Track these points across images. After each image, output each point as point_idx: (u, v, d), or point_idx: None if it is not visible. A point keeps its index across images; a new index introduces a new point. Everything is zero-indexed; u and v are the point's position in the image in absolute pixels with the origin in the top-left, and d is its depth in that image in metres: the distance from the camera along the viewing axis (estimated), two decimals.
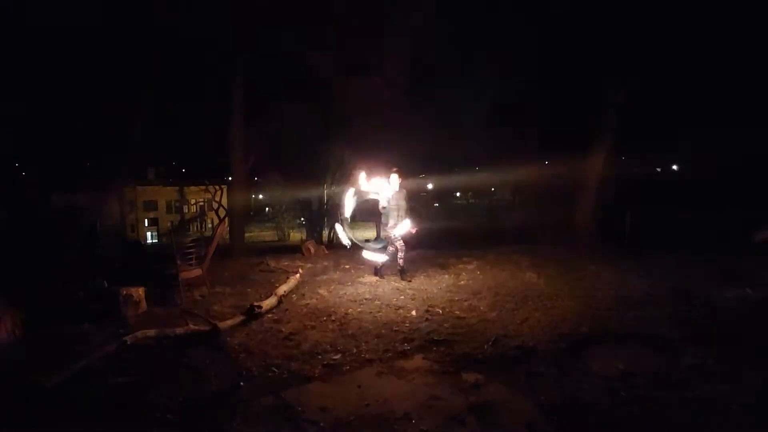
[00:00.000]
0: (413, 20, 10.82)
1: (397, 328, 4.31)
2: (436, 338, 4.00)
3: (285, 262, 8.17)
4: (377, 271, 6.65)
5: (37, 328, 4.33)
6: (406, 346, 3.83)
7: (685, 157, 18.99)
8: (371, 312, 4.89)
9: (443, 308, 4.94)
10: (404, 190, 6.47)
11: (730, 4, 9.64)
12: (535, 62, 11.13)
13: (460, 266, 7.42)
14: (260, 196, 27.02)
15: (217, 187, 22.19)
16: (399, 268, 6.51)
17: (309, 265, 7.93)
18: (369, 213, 6.64)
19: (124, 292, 4.86)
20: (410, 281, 6.30)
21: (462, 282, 6.23)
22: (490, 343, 3.85)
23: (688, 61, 10.56)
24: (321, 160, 16.06)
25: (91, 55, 10.08)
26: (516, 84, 11.68)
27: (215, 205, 22.42)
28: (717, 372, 3.13)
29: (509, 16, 10.81)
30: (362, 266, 7.71)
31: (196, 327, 4.24)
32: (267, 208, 27.03)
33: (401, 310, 4.91)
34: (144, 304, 5.02)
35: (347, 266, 7.76)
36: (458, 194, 37.31)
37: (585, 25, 10.18)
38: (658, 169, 21.93)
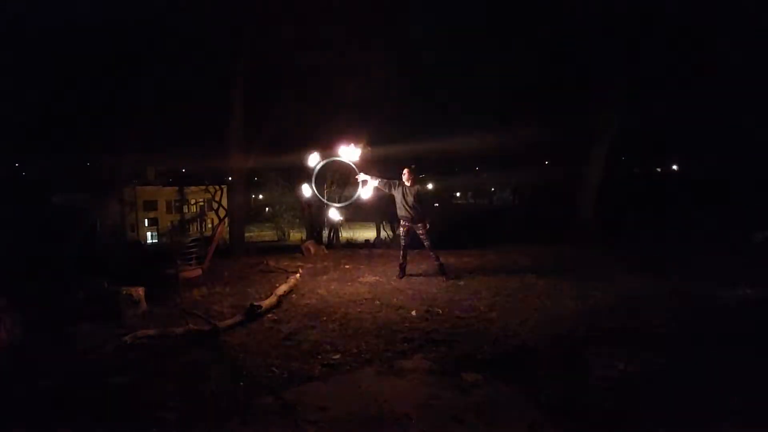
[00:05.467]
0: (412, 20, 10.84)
1: (397, 328, 4.30)
2: (436, 338, 4.00)
3: (285, 262, 8.17)
4: (402, 270, 6.57)
5: (37, 328, 4.33)
6: (406, 346, 3.82)
7: (685, 156, 18.98)
8: (371, 312, 4.89)
9: (443, 308, 4.94)
10: (416, 188, 6.43)
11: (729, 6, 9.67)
12: (536, 61, 11.15)
13: (461, 266, 7.42)
14: (260, 196, 27.00)
15: (217, 187, 22.18)
16: (438, 264, 6.52)
17: (309, 265, 7.93)
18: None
19: (124, 292, 4.86)
20: (451, 280, 6.32)
21: (462, 282, 6.23)
22: (490, 343, 3.85)
23: (688, 60, 10.58)
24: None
25: (90, 54, 10.08)
26: (517, 83, 11.69)
27: (215, 205, 22.42)
28: (717, 372, 3.13)
29: (513, 18, 10.83)
30: (362, 266, 7.72)
31: (196, 327, 4.24)
32: (267, 208, 27.00)
33: (401, 310, 4.91)
34: (144, 304, 5.01)
35: (347, 266, 7.77)
36: (458, 194, 37.31)
37: (584, 24, 10.20)
38: (659, 169, 21.93)
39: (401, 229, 6.57)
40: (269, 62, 11.05)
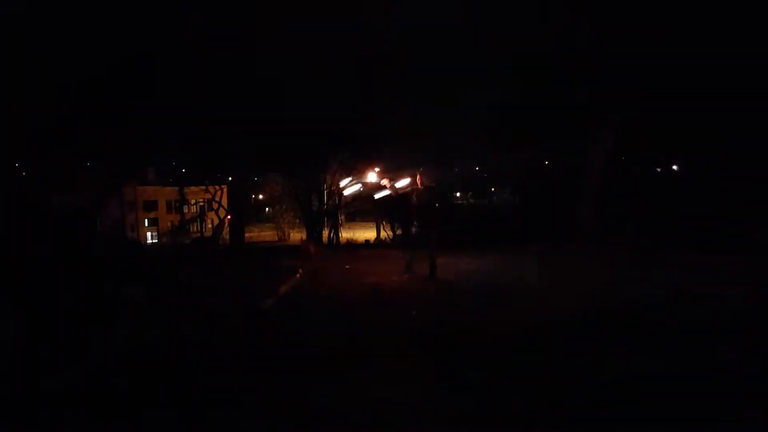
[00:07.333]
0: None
1: (397, 328, 4.30)
2: (436, 337, 4.00)
3: (285, 262, 8.17)
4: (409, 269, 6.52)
5: (38, 329, 4.32)
6: (407, 346, 3.83)
7: (686, 156, 18.92)
8: (372, 311, 4.89)
9: (443, 308, 4.94)
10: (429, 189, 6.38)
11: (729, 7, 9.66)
12: (537, 61, 11.13)
13: (461, 266, 7.41)
14: (260, 196, 27.03)
15: (217, 187, 22.20)
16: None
17: (309, 266, 7.92)
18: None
19: (124, 292, 4.86)
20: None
21: (463, 282, 6.23)
22: (491, 342, 3.85)
23: (688, 61, 10.55)
24: (322, 160, 16.07)
25: (93, 56, 10.08)
26: (518, 82, 11.67)
27: (215, 205, 22.44)
28: (718, 371, 3.13)
29: (515, 19, 10.81)
30: (362, 266, 7.72)
31: (196, 327, 4.24)
32: (267, 208, 27.01)
33: (402, 310, 4.91)
34: (144, 304, 5.01)
35: (347, 266, 7.77)
36: (458, 194, 37.27)
37: (589, 27, 10.18)
38: (659, 169, 21.88)
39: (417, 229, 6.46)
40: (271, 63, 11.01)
